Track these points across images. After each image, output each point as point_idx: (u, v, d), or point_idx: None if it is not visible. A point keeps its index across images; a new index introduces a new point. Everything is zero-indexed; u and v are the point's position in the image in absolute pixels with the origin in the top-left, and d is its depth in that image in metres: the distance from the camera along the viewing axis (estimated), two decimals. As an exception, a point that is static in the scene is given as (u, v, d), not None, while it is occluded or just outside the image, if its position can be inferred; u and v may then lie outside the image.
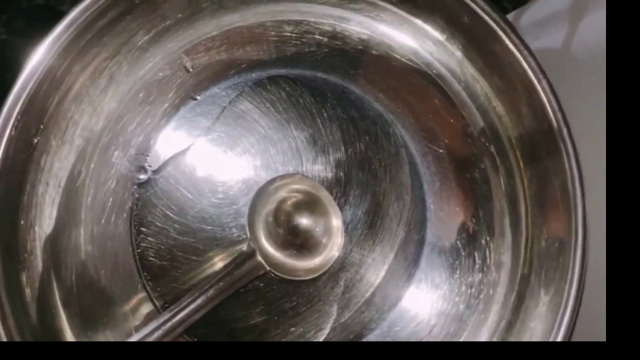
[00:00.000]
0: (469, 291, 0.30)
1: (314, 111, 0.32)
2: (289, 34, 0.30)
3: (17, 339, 0.24)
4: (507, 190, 0.29)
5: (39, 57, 0.25)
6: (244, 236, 0.31)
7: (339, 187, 0.32)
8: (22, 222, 0.26)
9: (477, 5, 0.27)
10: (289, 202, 0.31)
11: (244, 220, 0.31)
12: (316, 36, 0.30)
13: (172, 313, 0.27)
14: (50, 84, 0.25)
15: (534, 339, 0.26)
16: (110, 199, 0.30)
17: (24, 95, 0.24)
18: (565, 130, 0.26)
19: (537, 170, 0.28)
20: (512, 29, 0.27)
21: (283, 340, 0.31)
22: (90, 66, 0.27)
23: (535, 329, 0.27)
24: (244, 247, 0.30)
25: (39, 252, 0.27)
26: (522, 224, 0.29)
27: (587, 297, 0.28)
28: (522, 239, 0.29)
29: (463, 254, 0.31)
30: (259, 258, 0.30)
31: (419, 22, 0.28)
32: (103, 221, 0.30)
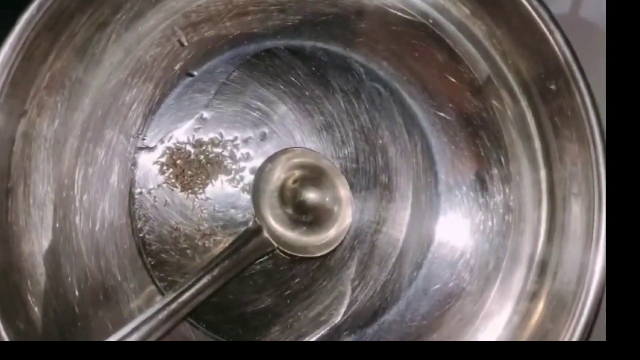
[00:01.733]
0: (495, 224, 0.29)
1: (316, 83, 0.31)
2: (286, 2, 0.29)
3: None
4: (522, 140, 0.28)
5: (22, 27, 0.24)
6: (249, 216, 0.30)
7: (345, 161, 0.31)
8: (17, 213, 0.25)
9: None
10: (293, 178, 0.30)
11: (244, 205, 0.30)
12: (314, 3, 0.29)
13: (176, 293, 0.25)
14: (35, 61, 0.24)
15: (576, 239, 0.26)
16: (108, 182, 0.29)
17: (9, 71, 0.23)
18: (580, 79, 0.25)
19: (552, 114, 0.26)
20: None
21: (297, 323, 0.30)
22: (77, 42, 0.26)
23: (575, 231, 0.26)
24: (250, 224, 0.29)
25: (35, 243, 0.26)
26: (537, 168, 0.28)
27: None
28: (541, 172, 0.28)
29: (478, 227, 0.30)
30: (266, 234, 0.28)
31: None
32: (102, 206, 0.29)
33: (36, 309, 0.26)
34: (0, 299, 0.24)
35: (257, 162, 0.30)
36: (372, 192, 0.31)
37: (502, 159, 0.29)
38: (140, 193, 0.30)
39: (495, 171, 0.29)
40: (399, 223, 0.31)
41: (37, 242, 0.27)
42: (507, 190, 0.29)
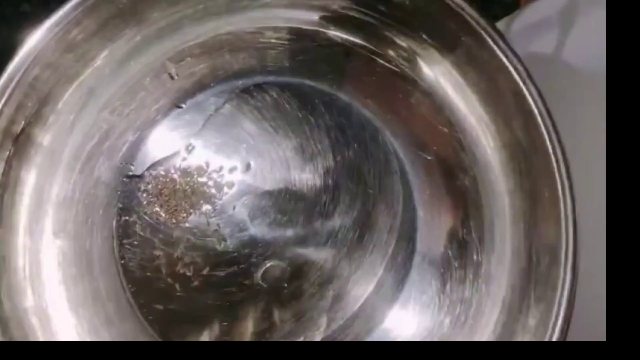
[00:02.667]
0: (459, 307, 0.30)
1: (302, 119, 0.32)
2: (274, 40, 0.30)
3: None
4: (497, 199, 0.29)
5: (18, 63, 0.24)
6: (231, 248, 0.31)
7: (328, 196, 0.32)
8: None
9: (466, 12, 0.26)
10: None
11: (227, 233, 0.31)
12: (302, 43, 0.30)
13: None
14: (28, 93, 0.25)
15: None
16: (94, 210, 0.29)
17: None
18: (554, 137, 0.26)
19: (527, 179, 0.27)
20: (500, 36, 0.26)
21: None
22: (71, 73, 0.27)
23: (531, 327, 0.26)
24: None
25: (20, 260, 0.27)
26: (512, 233, 0.28)
27: (587, 297, 0.28)
28: (513, 249, 0.28)
29: (454, 264, 0.30)
30: None
31: (405, 28, 0.28)
32: (85, 232, 0.29)
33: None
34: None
35: (242, 196, 0.31)
36: (350, 238, 0.32)
37: (477, 213, 0.30)
38: (126, 220, 0.30)
39: (471, 224, 0.30)
40: (371, 274, 0.32)
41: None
42: (477, 261, 0.30)
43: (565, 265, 0.25)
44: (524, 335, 0.26)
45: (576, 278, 0.25)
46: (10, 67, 0.24)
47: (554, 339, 0.25)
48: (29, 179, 0.26)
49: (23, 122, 0.25)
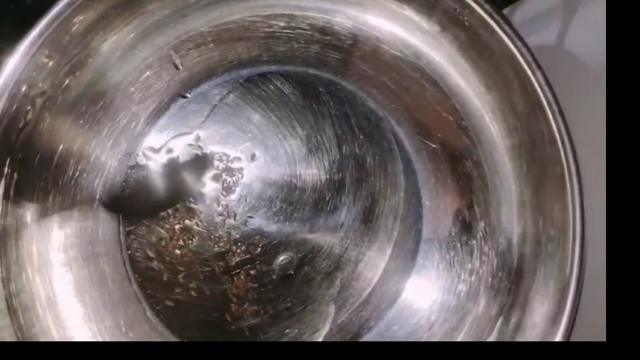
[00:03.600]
0: (470, 279, 0.30)
1: (306, 108, 0.32)
2: (279, 30, 0.30)
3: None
4: (504, 185, 0.29)
5: (20, 54, 0.24)
6: (235, 235, 0.31)
7: (334, 185, 0.32)
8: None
9: (472, -1, 0.26)
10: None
11: (233, 224, 0.31)
12: (306, 31, 0.30)
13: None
14: (32, 83, 0.25)
15: (536, 326, 0.26)
16: (99, 198, 0.29)
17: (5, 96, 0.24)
18: (560, 122, 0.26)
19: (533, 164, 0.27)
20: (506, 21, 0.26)
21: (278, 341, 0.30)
22: (76, 63, 0.26)
23: (537, 315, 0.26)
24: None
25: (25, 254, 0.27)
26: (519, 217, 0.28)
27: (587, 297, 0.28)
28: (519, 226, 0.28)
29: (460, 246, 0.30)
30: None
31: (410, 14, 0.28)
32: (90, 222, 0.29)
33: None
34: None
35: (246, 186, 0.31)
36: (356, 226, 0.32)
37: (483, 198, 0.30)
38: (130, 210, 0.30)
39: (476, 209, 0.30)
40: (377, 262, 0.32)
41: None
42: (484, 245, 0.30)
43: (573, 246, 0.25)
44: (535, 308, 0.26)
45: (584, 258, 0.25)
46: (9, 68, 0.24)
47: (564, 318, 0.24)
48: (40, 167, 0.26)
49: (32, 106, 0.25)
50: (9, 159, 0.25)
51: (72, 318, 0.28)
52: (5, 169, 0.25)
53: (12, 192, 0.26)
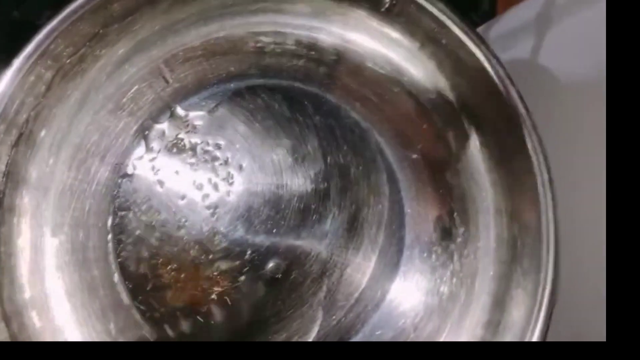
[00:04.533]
0: (451, 282, 0.31)
1: (292, 120, 0.33)
2: (266, 45, 0.31)
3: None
4: (481, 193, 0.30)
5: (16, 66, 0.25)
6: (224, 243, 0.32)
7: (319, 194, 0.33)
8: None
9: (447, 16, 0.28)
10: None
11: (222, 231, 0.32)
12: (292, 47, 0.31)
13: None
14: (23, 98, 0.25)
15: (515, 326, 0.27)
16: (91, 209, 0.30)
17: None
18: (534, 134, 0.27)
19: (508, 170, 0.29)
20: (481, 40, 0.28)
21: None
22: (69, 75, 0.27)
23: (516, 315, 0.28)
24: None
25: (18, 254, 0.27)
26: (494, 219, 0.30)
27: (587, 297, 0.29)
28: (497, 232, 0.30)
29: (441, 251, 0.32)
30: None
31: (390, 32, 0.29)
32: (81, 229, 0.30)
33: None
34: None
35: (234, 195, 0.32)
36: (341, 233, 0.33)
37: (462, 206, 0.31)
38: (122, 219, 0.31)
39: (455, 216, 0.32)
40: (363, 268, 0.33)
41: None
42: (463, 250, 0.31)
43: (547, 251, 0.26)
44: (515, 308, 0.28)
45: (559, 262, 0.26)
46: (10, 72, 0.25)
47: (542, 314, 0.26)
48: (29, 176, 0.27)
49: (23, 122, 0.26)
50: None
51: (64, 323, 0.28)
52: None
53: (2, 205, 0.26)
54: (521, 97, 0.28)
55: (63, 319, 0.28)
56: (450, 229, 0.32)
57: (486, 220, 0.30)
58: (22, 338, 0.25)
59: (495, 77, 0.28)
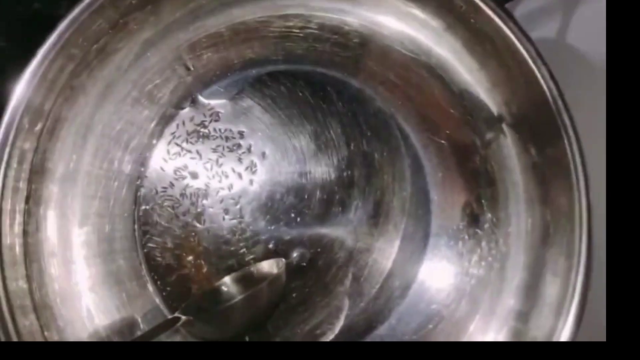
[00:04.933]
0: (478, 269, 0.30)
1: (315, 106, 0.33)
2: (288, 29, 0.31)
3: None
4: (511, 178, 0.29)
5: (38, 60, 0.25)
6: (248, 233, 0.31)
7: (343, 182, 0.33)
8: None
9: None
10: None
11: (246, 221, 0.31)
12: (316, 31, 0.31)
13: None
14: (47, 88, 0.25)
15: (547, 313, 0.27)
16: (116, 200, 0.30)
17: (25, 99, 0.24)
18: (565, 115, 0.26)
19: (539, 153, 0.28)
20: (511, 17, 0.27)
21: (293, 337, 0.31)
22: (91, 67, 0.27)
23: (548, 302, 0.27)
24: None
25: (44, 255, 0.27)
26: (526, 204, 0.29)
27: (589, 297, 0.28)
28: (527, 218, 0.29)
29: (469, 237, 0.31)
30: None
31: (418, 12, 0.28)
32: (107, 220, 0.30)
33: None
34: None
35: (257, 185, 0.32)
36: (366, 221, 0.33)
37: (491, 192, 0.30)
38: (146, 209, 0.31)
39: (483, 202, 0.31)
40: (388, 254, 0.33)
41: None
42: (492, 237, 0.30)
43: (580, 236, 0.25)
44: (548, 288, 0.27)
45: (592, 248, 0.25)
46: (33, 64, 0.25)
47: (575, 300, 0.25)
48: (55, 167, 0.27)
49: (47, 113, 0.26)
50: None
51: (91, 314, 0.28)
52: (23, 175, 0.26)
53: (30, 197, 0.26)
54: (553, 78, 0.27)
55: (90, 309, 0.28)
56: (478, 216, 0.31)
57: (517, 206, 0.29)
58: (51, 330, 0.26)
59: (527, 57, 0.26)
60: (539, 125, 0.28)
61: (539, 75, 0.27)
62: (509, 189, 0.29)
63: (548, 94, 0.27)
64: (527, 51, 0.27)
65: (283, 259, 0.31)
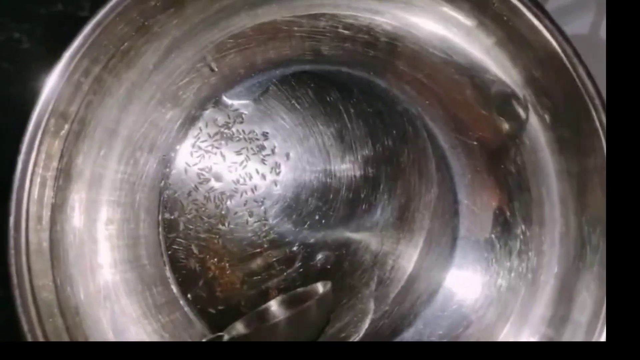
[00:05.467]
0: (509, 277, 0.29)
1: (340, 107, 0.32)
2: (315, 29, 0.30)
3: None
4: (545, 181, 0.28)
5: (65, 60, 0.24)
6: (272, 235, 0.31)
7: (368, 183, 0.32)
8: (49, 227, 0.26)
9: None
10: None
11: (270, 223, 0.31)
12: (343, 30, 0.30)
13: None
14: (74, 90, 0.25)
15: (581, 322, 0.26)
16: (141, 202, 0.30)
17: (52, 102, 0.24)
18: (603, 117, 0.25)
19: (575, 154, 0.27)
20: (546, 14, 0.26)
21: (318, 339, 0.31)
22: (116, 69, 0.27)
23: (582, 312, 0.26)
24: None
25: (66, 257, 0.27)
26: (560, 208, 0.28)
27: None
28: (561, 226, 0.28)
29: (499, 245, 0.30)
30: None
31: (448, 10, 0.28)
32: (132, 224, 0.30)
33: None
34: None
35: (282, 186, 0.31)
36: (392, 223, 0.32)
37: (523, 197, 0.29)
38: (171, 211, 0.31)
39: (515, 208, 0.30)
40: (413, 258, 0.32)
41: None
42: (524, 245, 0.29)
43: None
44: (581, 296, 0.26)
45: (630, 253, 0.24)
46: (59, 66, 0.25)
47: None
48: (82, 171, 0.27)
49: (73, 116, 0.26)
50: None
51: (116, 319, 0.28)
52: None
53: (56, 202, 0.26)
54: (590, 77, 0.26)
55: (116, 315, 0.28)
56: (510, 221, 0.30)
57: (551, 211, 0.28)
58: (77, 335, 0.26)
59: (562, 55, 0.25)
60: (576, 128, 0.26)
61: (574, 75, 0.26)
62: (543, 194, 0.28)
63: (585, 94, 0.26)
64: (564, 50, 0.26)
65: (329, 282, 0.30)
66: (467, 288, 0.31)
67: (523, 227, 0.29)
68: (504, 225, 0.30)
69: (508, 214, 0.30)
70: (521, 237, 0.29)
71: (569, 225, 0.27)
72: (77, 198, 0.27)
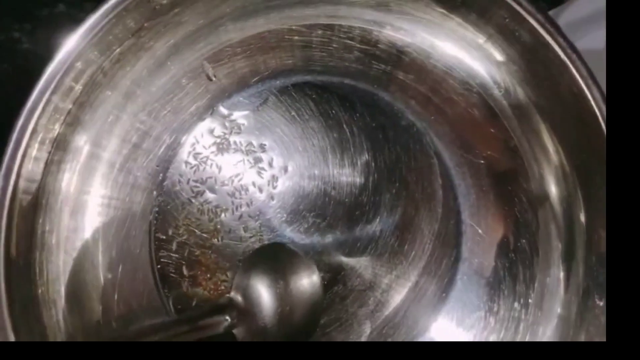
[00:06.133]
0: (507, 323, 0.28)
1: (342, 119, 0.31)
2: (316, 39, 0.29)
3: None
4: (553, 207, 0.27)
5: (55, 67, 0.23)
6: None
7: (369, 200, 0.31)
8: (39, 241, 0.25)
9: (519, 4, 0.25)
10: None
11: (266, 237, 0.30)
12: (346, 41, 0.29)
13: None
14: (65, 96, 0.24)
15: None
16: (131, 213, 0.29)
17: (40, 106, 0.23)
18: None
19: (587, 184, 0.25)
20: (559, 31, 0.25)
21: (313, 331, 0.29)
22: (109, 76, 0.26)
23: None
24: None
25: (57, 271, 0.26)
26: (569, 241, 0.26)
27: None
28: (571, 262, 0.26)
29: (504, 276, 0.29)
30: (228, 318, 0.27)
31: (456, 24, 0.26)
32: (123, 234, 0.29)
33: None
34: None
35: (279, 201, 0.30)
36: (391, 242, 0.31)
37: (530, 224, 0.28)
38: (162, 223, 0.30)
39: (521, 235, 0.28)
40: (412, 282, 0.31)
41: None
42: (528, 281, 0.28)
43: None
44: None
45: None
46: (48, 71, 0.24)
47: None
48: (69, 184, 0.26)
49: (61, 126, 0.25)
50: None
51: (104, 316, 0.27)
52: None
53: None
54: (603, 96, 0.25)
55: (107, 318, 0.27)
56: (516, 250, 0.28)
57: (558, 237, 0.27)
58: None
59: (577, 75, 0.24)
60: (588, 149, 0.25)
61: (589, 95, 0.25)
62: (551, 226, 0.27)
63: (598, 114, 0.25)
64: (577, 69, 0.25)
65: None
66: (466, 315, 0.30)
67: (530, 255, 0.28)
68: (510, 252, 0.29)
69: (515, 239, 0.29)
70: (528, 266, 0.28)
71: (578, 257, 0.26)
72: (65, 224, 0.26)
